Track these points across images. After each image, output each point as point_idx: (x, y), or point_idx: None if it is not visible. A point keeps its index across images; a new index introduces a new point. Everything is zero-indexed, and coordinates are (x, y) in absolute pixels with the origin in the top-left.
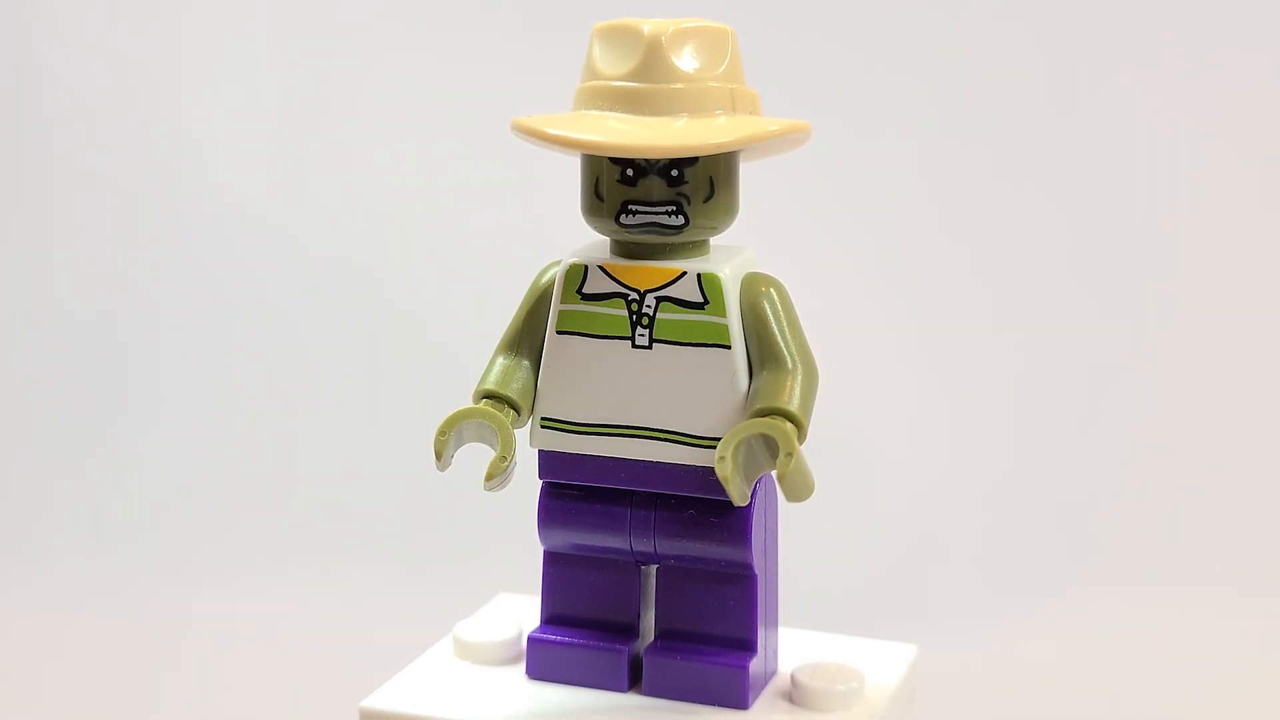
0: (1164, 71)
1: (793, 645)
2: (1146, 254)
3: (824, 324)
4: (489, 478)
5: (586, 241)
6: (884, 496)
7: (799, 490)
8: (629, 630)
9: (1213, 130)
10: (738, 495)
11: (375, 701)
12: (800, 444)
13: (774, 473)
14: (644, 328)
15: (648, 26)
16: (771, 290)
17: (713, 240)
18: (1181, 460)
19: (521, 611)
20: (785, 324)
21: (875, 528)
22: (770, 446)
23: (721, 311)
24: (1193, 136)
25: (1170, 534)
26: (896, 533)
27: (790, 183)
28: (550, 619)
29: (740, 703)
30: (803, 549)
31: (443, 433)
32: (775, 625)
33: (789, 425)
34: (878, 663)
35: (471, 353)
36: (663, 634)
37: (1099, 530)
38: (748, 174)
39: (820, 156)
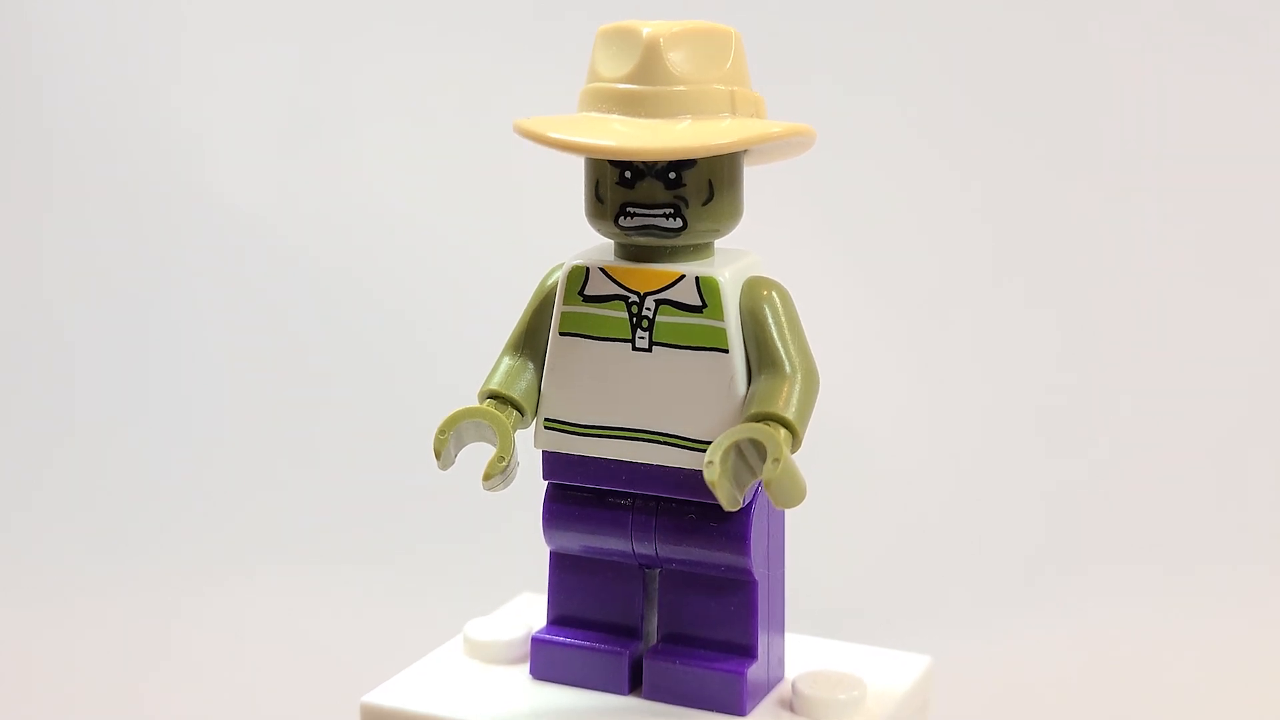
0: (1173, 63)
1: (803, 653)
2: (1147, 251)
3: (830, 329)
4: (486, 478)
5: (594, 244)
6: (895, 502)
7: (787, 496)
8: (632, 633)
9: (1223, 121)
10: (726, 500)
11: (376, 697)
12: (795, 450)
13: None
14: (644, 330)
15: (647, 29)
16: (773, 294)
17: (718, 243)
18: (1185, 460)
19: (540, 611)
20: (785, 328)
21: (885, 533)
22: (761, 452)
23: (720, 315)
24: (1202, 129)
25: (1174, 535)
26: (907, 538)
27: (798, 186)
28: (556, 620)
29: (738, 709)
30: (813, 554)
31: (442, 432)
32: (780, 632)
33: (779, 431)
34: (886, 672)
35: (485, 350)
36: (665, 638)
37: (1108, 532)
38: (754, 178)
39: (828, 160)
